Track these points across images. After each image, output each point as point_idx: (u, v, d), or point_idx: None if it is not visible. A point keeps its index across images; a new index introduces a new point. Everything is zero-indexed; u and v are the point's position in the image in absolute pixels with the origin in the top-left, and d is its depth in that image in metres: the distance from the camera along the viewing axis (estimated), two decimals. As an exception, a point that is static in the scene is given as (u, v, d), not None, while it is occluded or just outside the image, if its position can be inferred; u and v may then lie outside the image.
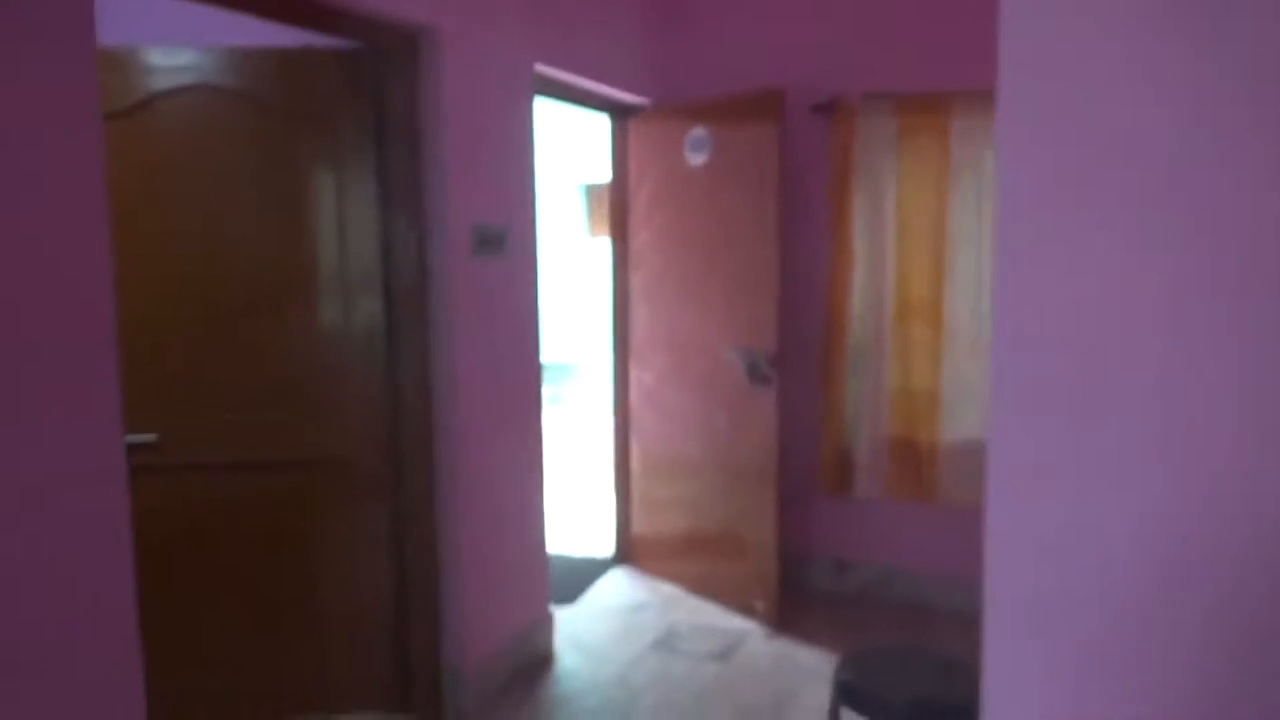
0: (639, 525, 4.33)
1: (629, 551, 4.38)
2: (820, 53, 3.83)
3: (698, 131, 3.77)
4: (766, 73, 3.81)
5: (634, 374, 4.23)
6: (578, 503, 5.28)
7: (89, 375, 1.68)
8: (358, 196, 2.80)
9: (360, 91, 2.77)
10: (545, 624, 3.42)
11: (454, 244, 2.84)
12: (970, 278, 3.65)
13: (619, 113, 4.08)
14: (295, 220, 2.78)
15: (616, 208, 4.20)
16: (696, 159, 3.80)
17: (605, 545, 4.50)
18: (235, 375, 2.77)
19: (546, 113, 3.61)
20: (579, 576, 4.17)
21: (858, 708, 2.23)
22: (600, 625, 3.71)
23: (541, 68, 3.26)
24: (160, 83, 2.62)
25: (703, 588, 3.98)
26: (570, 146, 6.96)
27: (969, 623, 3.62)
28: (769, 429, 3.57)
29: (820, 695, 3.12)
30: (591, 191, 9.07)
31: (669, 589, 4.08)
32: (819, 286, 3.88)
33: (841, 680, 2.22)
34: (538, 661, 3.36)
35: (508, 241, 3.08)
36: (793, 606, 3.76)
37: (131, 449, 1.87)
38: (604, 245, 4.47)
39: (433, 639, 2.97)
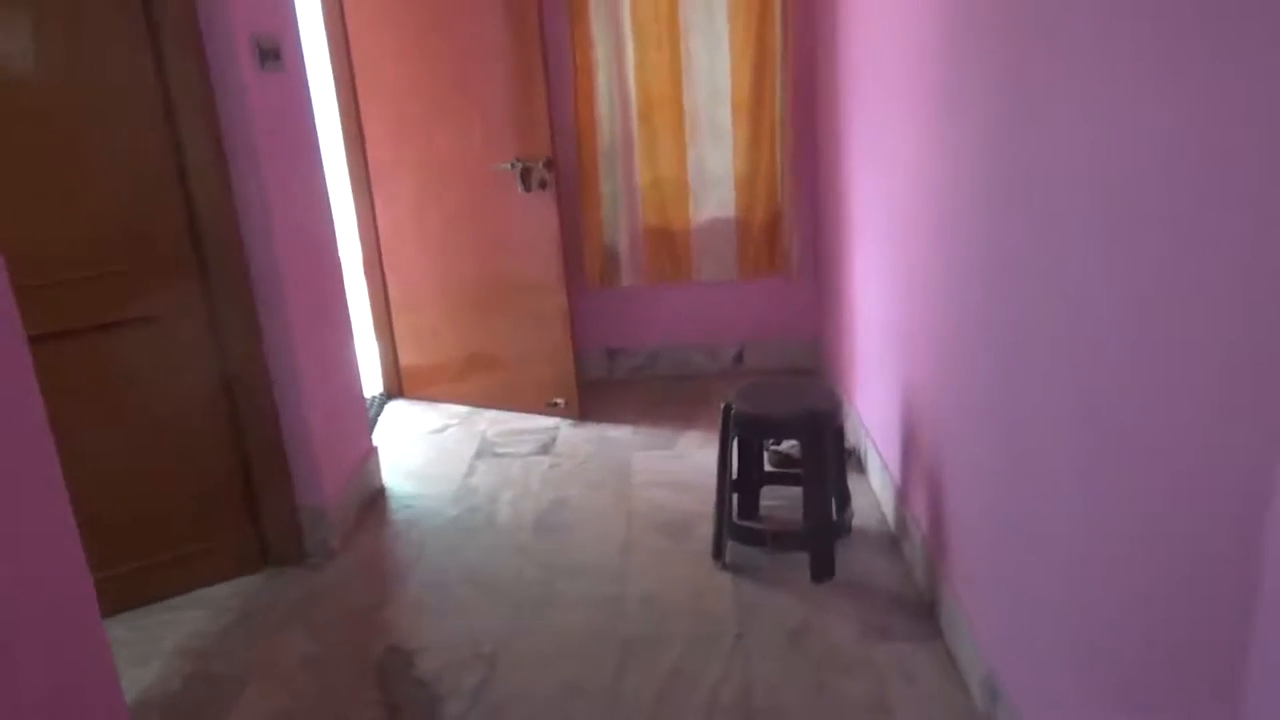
0: (409, 356, 4.28)
1: (400, 384, 4.34)
2: None
3: (428, -70, 3.56)
4: None
5: (382, 199, 4.06)
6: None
7: None
8: (113, 6, 2.36)
9: None
10: (374, 457, 3.37)
11: (239, 59, 2.53)
12: (704, 68, 3.96)
13: (320, -88, 3.70)
14: (32, 37, 2.29)
15: (333, 21, 3.87)
16: (429, -39, 3.60)
17: (371, 383, 4.40)
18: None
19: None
20: (362, 416, 4.07)
21: (756, 430, 2.59)
22: (411, 453, 3.72)
23: None
24: None
25: (493, 400, 4.11)
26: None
27: (735, 378, 4.19)
28: (551, 233, 3.69)
29: (648, 459, 3.49)
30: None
31: (458, 409, 4.15)
32: (567, 90, 3.96)
33: (739, 411, 2.55)
34: (375, 494, 3.34)
35: (284, 54, 2.79)
36: (579, 397, 4.03)
37: None
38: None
39: (283, 484, 2.83)
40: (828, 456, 2.52)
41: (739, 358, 4.37)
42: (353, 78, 3.91)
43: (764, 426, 2.59)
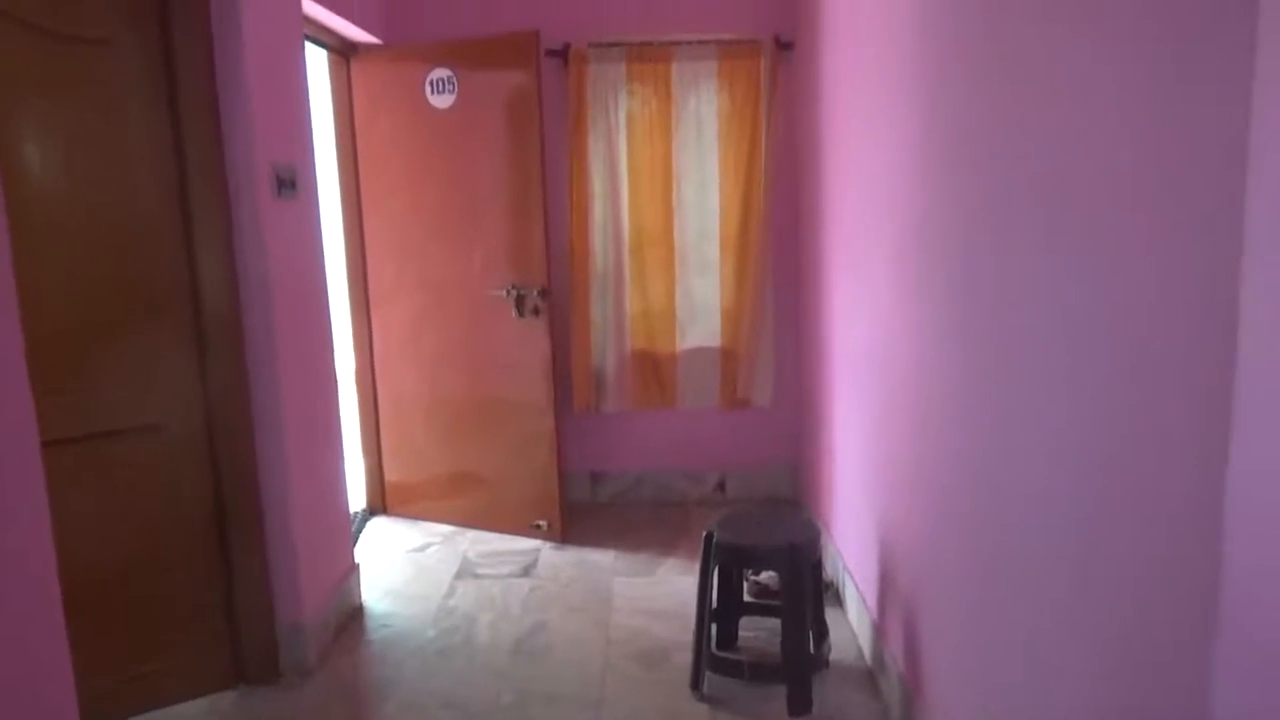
0: (395, 472, 4.32)
1: (384, 500, 4.36)
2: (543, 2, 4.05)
3: (440, 73, 3.81)
4: (490, 18, 3.96)
5: (379, 320, 4.18)
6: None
7: None
8: (146, 133, 2.53)
9: (142, 15, 2.48)
10: (355, 574, 3.37)
11: (258, 186, 2.68)
12: (695, 206, 4.18)
13: (339, 50, 3.94)
14: (69, 157, 2.43)
15: (345, 148, 4.07)
16: (440, 101, 3.84)
17: (355, 499, 4.41)
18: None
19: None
20: (344, 531, 4.08)
21: (737, 560, 2.64)
22: (391, 572, 3.72)
23: None
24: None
25: (475, 520, 4.13)
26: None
27: (716, 505, 4.24)
28: (543, 358, 3.81)
29: (629, 585, 3.51)
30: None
31: (440, 528, 4.16)
32: (563, 221, 4.15)
33: (721, 541, 2.60)
34: (353, 612, 3.32)
35: (299, 183, 2.95)
36: (561, 520, 4.06)
37: None
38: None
39: (264, 600, 2.83)
40: (807, 589, 2.57)
41: (721, 485, 4.43)
42: (359, 201, 4.09)
43: (745, 557, 2.64)
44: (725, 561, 2.64)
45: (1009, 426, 1.73)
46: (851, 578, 3.15)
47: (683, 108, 4.11)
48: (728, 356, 4.29)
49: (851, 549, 3.19)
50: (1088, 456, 1.40)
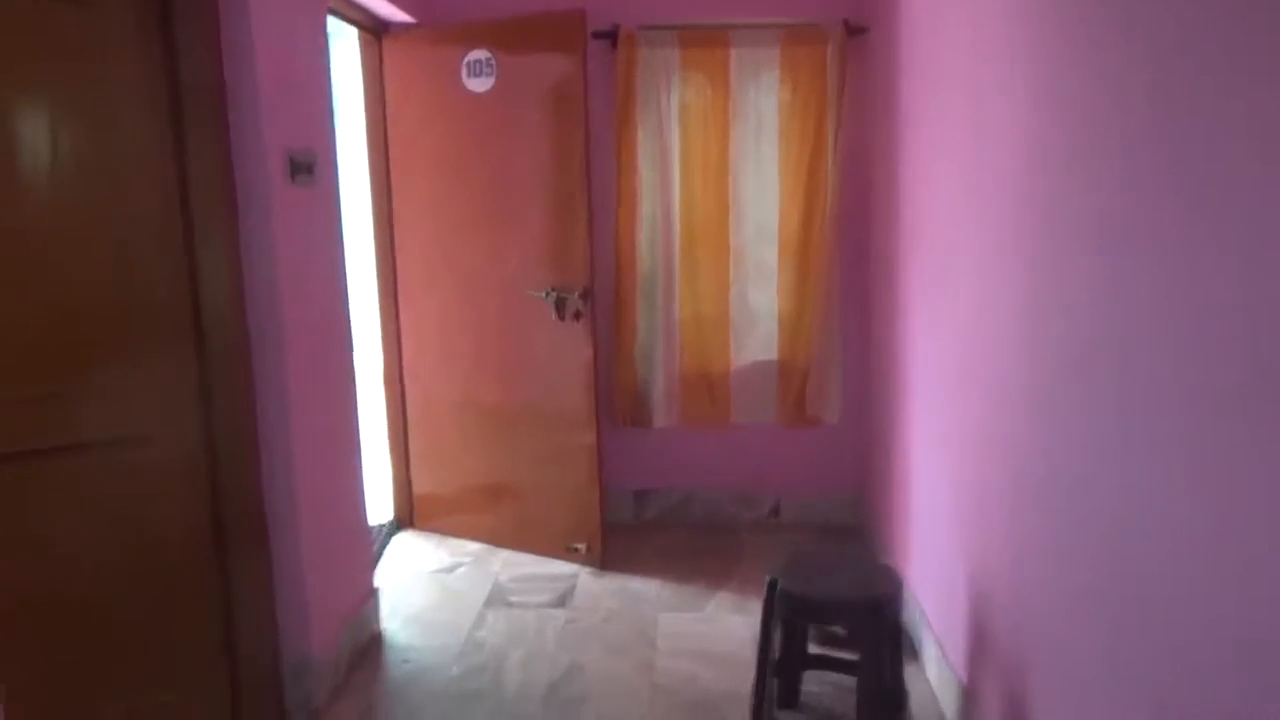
0: (423, 484, 4.02)
1: (412, 514, 4.06)
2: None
3: (478, 55, 3.49)
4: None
5: (409, 317, 3.88)
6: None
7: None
8: (137, 109, 2.22)
9: (137, -28, 2.19)
10: (374, 600, 3.07)
11: (269, 171, 2.38)
12: (752, 204, 3.81)
13: (370, 28, 3.64)
14: (50, 143, 2.13)
15: (375, 134, 3.77)
16: (477, 85, 3.52)
17: (382, 510, 4.12)
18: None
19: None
20: (366, 548, 3.78)
21: (806, 616, 2.27)
22: (415, 595, 3.41)
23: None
24: None
25: (508, 539, 3.81)
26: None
27: (770, 531, 3.87)
28: (585, 366, 3.47)
29: (675, 621, 3.16)
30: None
31: (472, 546, 3.85)
32: (608, 218, 3.81)
33: (787, 591, 2.24)
34: (371, 642, 3.02)
35: (316, 169, 2.64)
36: (603, 541, 3.73)
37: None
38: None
39: (268, 633, 2.53)
40: (886, 651, 2.20)
41: (775, 510, 4.06)
42: (389, 191, 3.79)
43: (816, 611, 2.27)
44: (791, 615, 2.27)
45: (1141, 442, 1.35)
46: (930, 627, 2.77)
47: (741, 98, 3.75)
48: (786, 369, 3.93)
49: (930, 593, 2.81)
50: (1246, 467, 1.03)
